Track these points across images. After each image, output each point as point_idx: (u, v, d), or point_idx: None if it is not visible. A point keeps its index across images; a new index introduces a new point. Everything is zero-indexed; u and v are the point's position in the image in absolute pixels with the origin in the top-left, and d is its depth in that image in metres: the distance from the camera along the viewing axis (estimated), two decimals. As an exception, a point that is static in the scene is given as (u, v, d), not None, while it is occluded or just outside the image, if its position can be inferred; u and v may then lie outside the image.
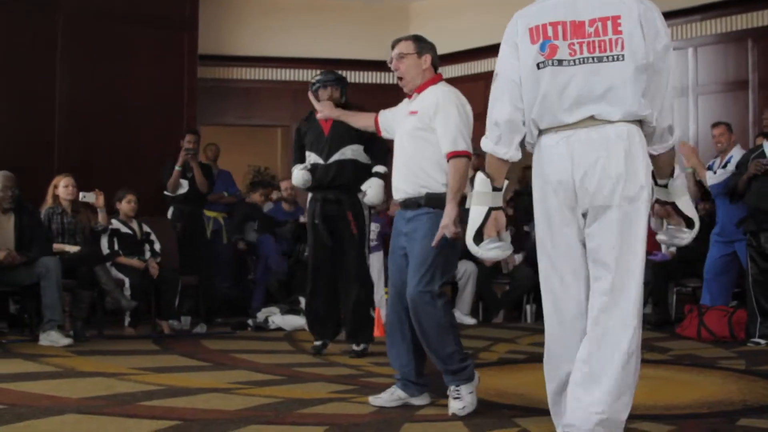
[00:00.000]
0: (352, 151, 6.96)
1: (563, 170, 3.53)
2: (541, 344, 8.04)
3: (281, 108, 13.66)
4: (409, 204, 4.96)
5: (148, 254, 9.13)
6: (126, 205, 9.23)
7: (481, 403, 5.00)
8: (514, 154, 3.70)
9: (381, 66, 13.29)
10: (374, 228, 9.97)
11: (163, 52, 11.72)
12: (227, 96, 13.36)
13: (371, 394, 5.15)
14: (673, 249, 9.70)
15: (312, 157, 7.02)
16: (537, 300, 10.16)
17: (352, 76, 13.48)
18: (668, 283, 9.57)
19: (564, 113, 3.52)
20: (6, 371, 6.18)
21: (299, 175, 7.07)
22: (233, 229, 10.89)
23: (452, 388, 4.80)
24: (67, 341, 7.74)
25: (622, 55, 3.42)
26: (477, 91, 13.29)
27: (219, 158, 11.42)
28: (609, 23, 3.43)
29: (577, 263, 3.63)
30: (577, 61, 3.47)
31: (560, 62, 3.50)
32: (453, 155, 4.85)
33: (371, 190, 6.66)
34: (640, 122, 3.51)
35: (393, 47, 5.21)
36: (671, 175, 3.72)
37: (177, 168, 9.66)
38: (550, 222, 3.63)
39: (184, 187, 9.78)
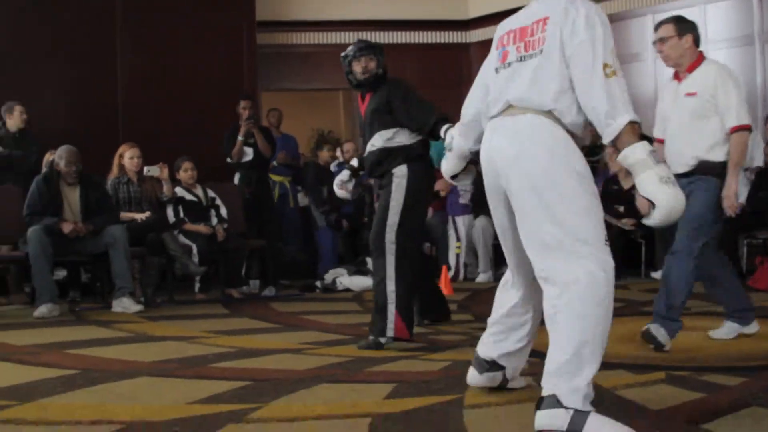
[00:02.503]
0: (380, 138, 5.94)
1: (485, 154, 3.82)
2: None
3: (342, 71, 13.63)
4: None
5: (214, 220, 9.20)
6: (183, 173, 9.29)
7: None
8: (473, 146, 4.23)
9: (438, 25, 13.26)
10: (468, 189, 10.07)
11: (222, 20, 11.77)
12: (288, 61, 13.37)
13: (440, 351, 5.16)
14: (741, 200, 9.55)
15: None
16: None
17: (411, 37, 13.44)
18: (738, 234, 9.44)
19: (499, 104, 3.80)
20: (80, 337, 6.30)
21: (337, 192, 6.45)
22: (308, 191, 10.85)
23: None
24: (138, 307, 7.85)
25: (540, 51, 3.66)
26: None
27: (282, 123, 11.46)
28: (540, 24, 3.69)
29: (509, 241, 3.90)
30: (519, 59, 3.75)
31: (510, 64, 3.80)
32: (737, 129, 5.35)
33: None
34: (552, 113, 3.64)
35: (655, 30, 5.67)
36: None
37: (240, 138, 9.70)
38: (489, 202, 3.92)
39: (249, 154, 9.83)
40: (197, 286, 9.00)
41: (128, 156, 8.94)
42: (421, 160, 5.93)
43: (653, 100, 11.91)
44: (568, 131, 3.64)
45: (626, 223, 9.84)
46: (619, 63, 3.59)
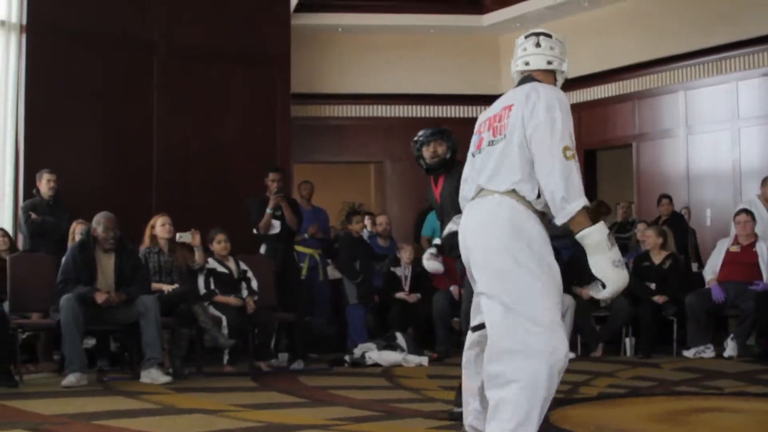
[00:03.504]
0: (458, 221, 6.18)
1: (461, 234, 4.09)
2: (643, 378, 7.95)
3: (374, 144, 13.76)
4: None
5: (245, 292, 9.18)
6: (217, 245, 9.25)
7: (583, 438, 4.94)
8: None
9: (470, 100, 13.34)
10: None
11: (257, 91, 11.90)
12: (320, 133, 13.50)
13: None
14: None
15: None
16: (636, 333, 9.98)
17: (444, 111, 13.55)
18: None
19: (473, 189, 4.09)
20: (107, 408, 6.27)
21: (426, 264, 6.45)
22: (344, 268, 10.70)
23: None
24: (166, 379, 7.81)
25: (504, 137, 3.92)
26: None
27: (313, 196, 11.49)
28: (506, 111, 3.95)
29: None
30: (489, 143, 4.02)
31: (482, 150, 4.07)
32: None
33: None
34: (517, 193, 3.87)
35: None
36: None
37: (269, 211, 9.71)
38: (468, 276, 4.16)
39: (276, 227, 9.80)
40: (226, 358, 8.96)
41: (160, 223, 8.96)
42: None
43: (686, 174, 11.93)
44: (534, 208, 3.87)
45: (658, 300, 9.77)
46: (574, 143, 3.82)
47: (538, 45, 4.19)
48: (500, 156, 3.91)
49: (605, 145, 13.31)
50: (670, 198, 11.23)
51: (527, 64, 4.18)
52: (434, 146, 6.17)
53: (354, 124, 13.78)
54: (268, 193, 9.78)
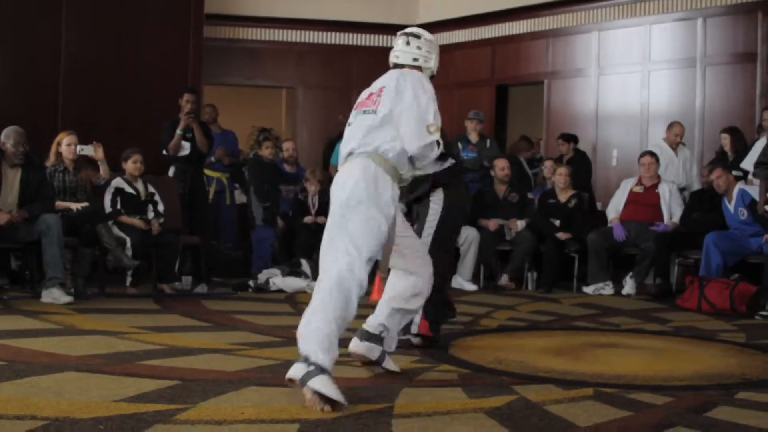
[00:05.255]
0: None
1: (333, 185, 4.64)
2: (543, 312, 8.10)
3: (286, 69, 13.63)
4: None
5: (151, 214, 9.09)
6: (131, 165, 9.12)
7: (480, 369, 5.03)
8: None
9: (387, 29, 13.23)
10: None
11: (170, 11, 11.66)
12: (233, 56, 13.31)
13: (371, 358, 5.15)
14: (675, 220, 9.69)
15: None
16: (538, 267, 10.14)
17: (359, 39, 13.44)
18: (670, 253, 9.55)
19: (345, 153, 4.71)
20: (7, 327, 6.20)
21: None
22: (252, 185, 10.70)
23: None
24: (68, 299, 7.74)
25: (374, 112, 4.61)
26: (483, 56, 13.29)
27: (219, 119, 11.37)
28: (379, 90, 4.69)
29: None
30: (362, 112, 4.69)
31: (354, 120, 4.73)
32: None
33: None
34: (377, 152, 4.56)
35: None
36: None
37: (179, 131, 9.62)
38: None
39: (186, 149, 9.73)
40: (129, 279, 8.88)
41: (65, 143, 8.78)
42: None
43: (595, 114, 12.07)
44: (390, 165, 4.53)
45: (561, 236, 9.92)
46: (439, 118, 4.60)
47: (407, 44, 4.94)
48: (369, 127, 4.57)
49: (517, 81, 13.35)
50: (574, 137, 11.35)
51: (397, 58, 4.94)
52: None
53: (268, 48, 13.61)
54: (180, 115, 9.67)
